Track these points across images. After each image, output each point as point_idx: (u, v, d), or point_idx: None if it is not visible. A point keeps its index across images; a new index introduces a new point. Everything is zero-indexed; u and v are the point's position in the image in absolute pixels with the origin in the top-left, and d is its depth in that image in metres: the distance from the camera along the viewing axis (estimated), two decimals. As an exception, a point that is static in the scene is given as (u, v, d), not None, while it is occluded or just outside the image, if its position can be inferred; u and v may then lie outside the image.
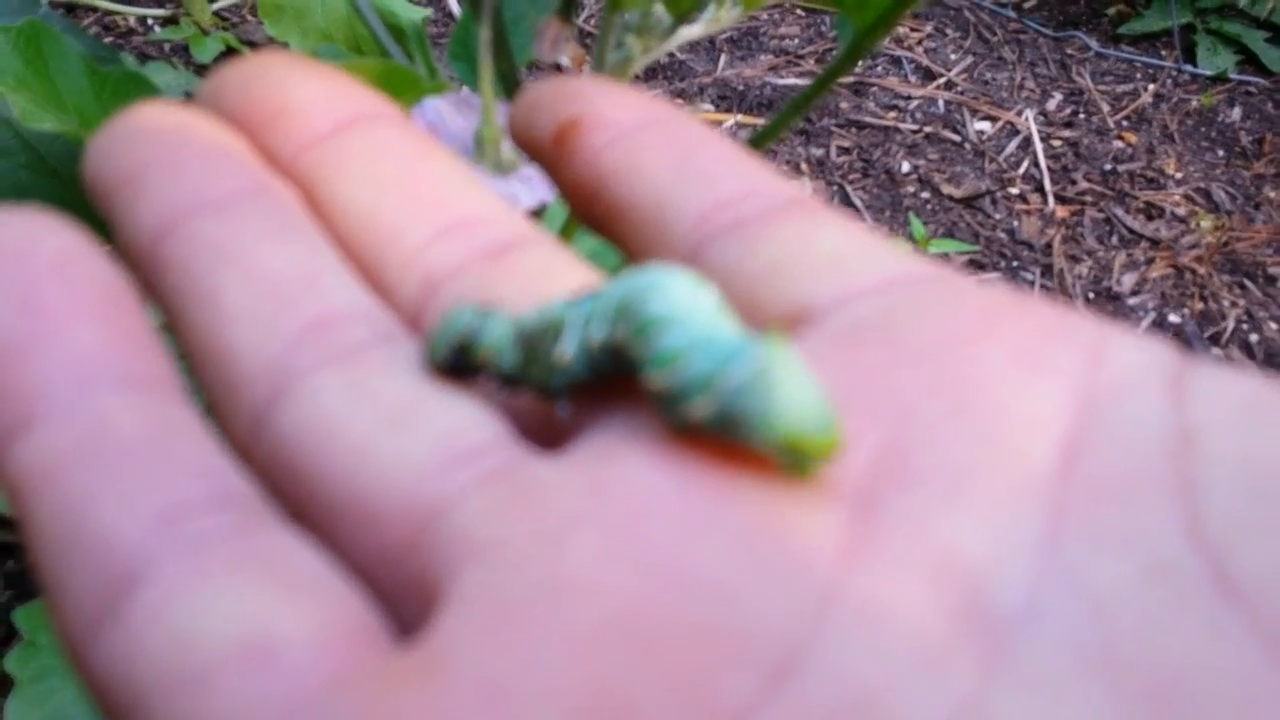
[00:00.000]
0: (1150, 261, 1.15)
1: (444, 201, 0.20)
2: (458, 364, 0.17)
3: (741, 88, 1.33)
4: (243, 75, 0.20)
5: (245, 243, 0.18)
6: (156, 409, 0.16)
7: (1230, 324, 1.09)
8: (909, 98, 1.33)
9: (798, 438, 0.14)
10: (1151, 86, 1.37)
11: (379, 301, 0.19)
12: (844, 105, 1.31)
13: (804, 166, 1.23)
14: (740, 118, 1.28)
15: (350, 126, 0.20)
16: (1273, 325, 1.10)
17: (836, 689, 0.13)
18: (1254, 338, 1.09)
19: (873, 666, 0.13)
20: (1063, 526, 0.14)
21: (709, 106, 1.30)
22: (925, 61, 1.38)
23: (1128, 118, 1.32)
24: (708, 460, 0.15)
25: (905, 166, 1.24)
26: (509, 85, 0.52)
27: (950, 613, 0.13)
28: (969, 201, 1.20)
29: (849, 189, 1.21)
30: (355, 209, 0.19)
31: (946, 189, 1.21)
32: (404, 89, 0.58)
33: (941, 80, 1.36)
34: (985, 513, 0.14)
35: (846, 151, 1.25)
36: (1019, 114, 1.31)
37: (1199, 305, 1.11)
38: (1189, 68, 1.38)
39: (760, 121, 1.28)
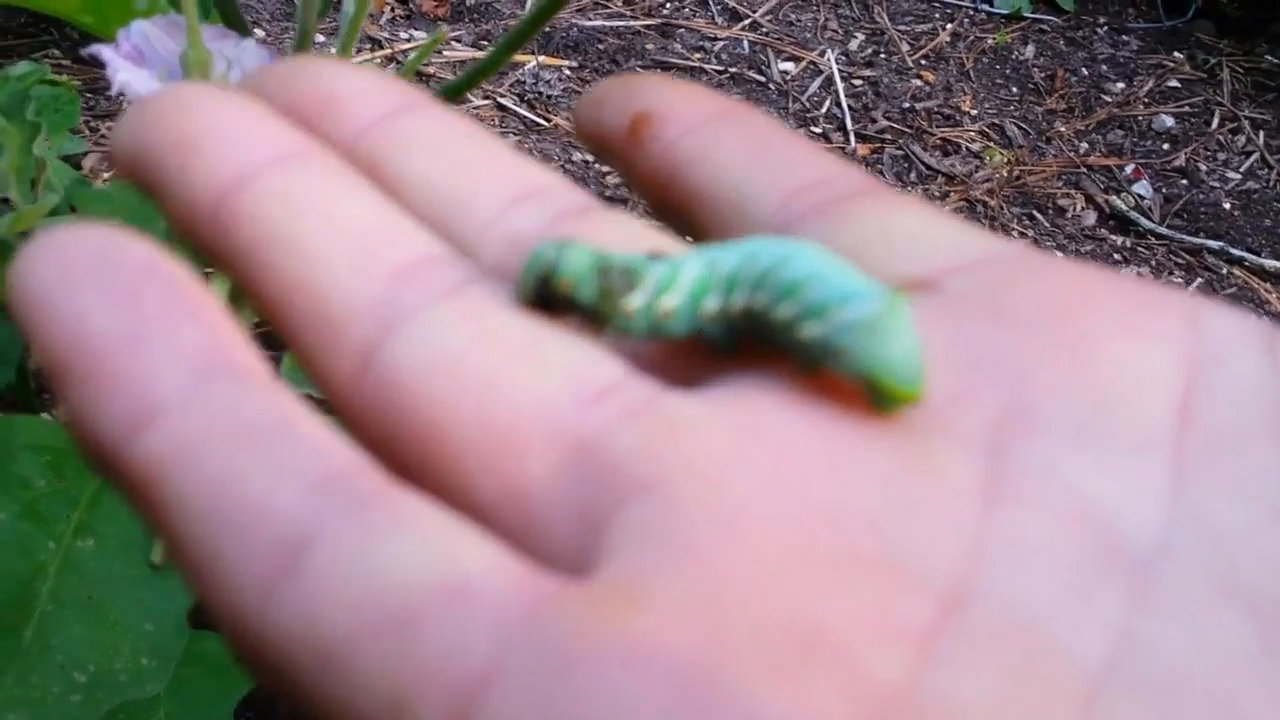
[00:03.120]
0: (945, 196, 1.18)
1: (513, 173, 0.20)
2: (543, 297, 0.17)
3: (548, 29, 1.31)
4: (285, 72, 0.21)
5: (319, 194, 0.18)
6: (269, 394, 0.16)
7: (1018, 254, 1.13)
8: (715, 39, 1.33)
9: (888, 381, 0.16)
10: (949, 25, 1.39)
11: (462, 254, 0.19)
12: (650, 46, 1.30)
13: (609, 108, 1.23)
14: (543, 59, 1.27)
15: (405, 110, 0.20)
16: (1058, 253, 1.14)
17: (1006, 616, 0.14)
18: (1040, 267, 1.12)
19: (1035, 596, 0.14)
20: (1184, 474, 0.15)
21: (513, 49, 1.28)
22: (732, 3, 1.38)
23: (926, 56, 1.35)
24: (838, 408, 0.16)
25: (709, 107, 1.24)
26: (224, 9, 0.50)
27: (1089, 549, 0.14)
28: (771, 140, 1.22)
29: (654, 130, 1.21)
30: (427, 181, 0.20)
31: (749, 128, 1.22)
32: (116, 13, 0.55)
33: (747, 21, 1.36)
34: (1110, 461, 0.15)
35: (651, 92, 1.25)
36: (822, 54, 1.33)
37: (989, 237, 1.14)
38: (985, 6, 1.42)
39: (566, 63, 1.27)
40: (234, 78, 0.44)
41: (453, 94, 0.46)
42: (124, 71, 0.37)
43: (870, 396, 0.16)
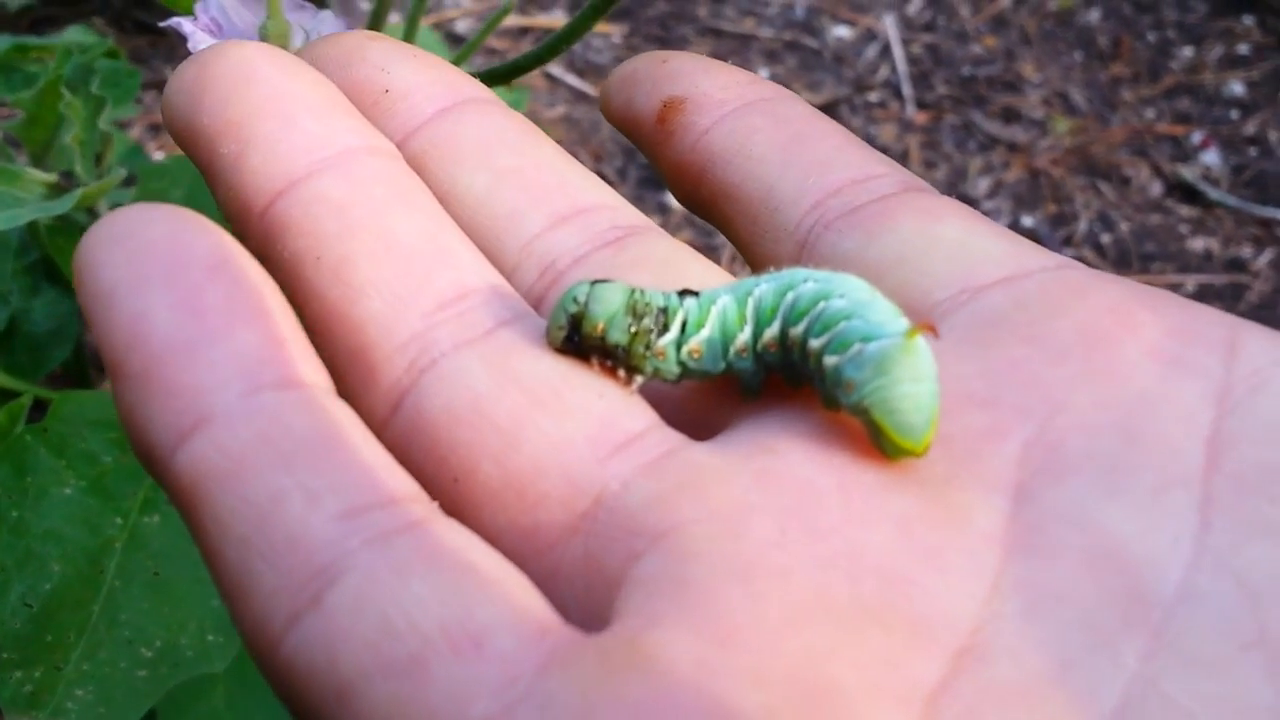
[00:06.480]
0: (1006, 165, 1.15)
1: (558, 188, 0.19)
2: (573, 339, 0.17)
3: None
4: (341, 53, 0.20)
5: (372, 208, 0.18)
6: (320, 409, 0.15)
7: (1083, 225, 1.10)
8: (768, 4, 1.31)
9: (887, 428, 0.15)
10: (1010, -11, 1.36)
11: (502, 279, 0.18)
12: (702, 12, 1.28)
13: (663, 75, 1.21)
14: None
15: (454, 110, 0.20)
16: (1124, 225, 1.11)
17: (1018, 668, 0.13)
18: (1105, 238, 1.10)
19: (1049, 647, 0.14)
20: (1212, 517, 0.14)
21: (560, 13, 1.26)
22: (786, -33, 1.36)
23: (987, 21, 1.32)
24: (861, 454, 0.15)
25: (764, 74, 1.22)
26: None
27: (1111, 596, 0.14)
28: (827, 108, 1.19)
29: (708, 98, 1.19)
30: (470, 194, 0.19)
31: (804, 96, 1.20)
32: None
33: (802, -14, 1.33)
34: (1136, 502, 0.15)
35: (706, 59, 1.23)
36: (878, 19, 1.30)
37: (1052, 207, 1.12)
38: (1047, -30, 1.38)
39: (616, 29, 1.25)
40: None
41: (527, 67, 0.45)
42: (204, 45, 0.37)
43: (878, 444, 0.16)
